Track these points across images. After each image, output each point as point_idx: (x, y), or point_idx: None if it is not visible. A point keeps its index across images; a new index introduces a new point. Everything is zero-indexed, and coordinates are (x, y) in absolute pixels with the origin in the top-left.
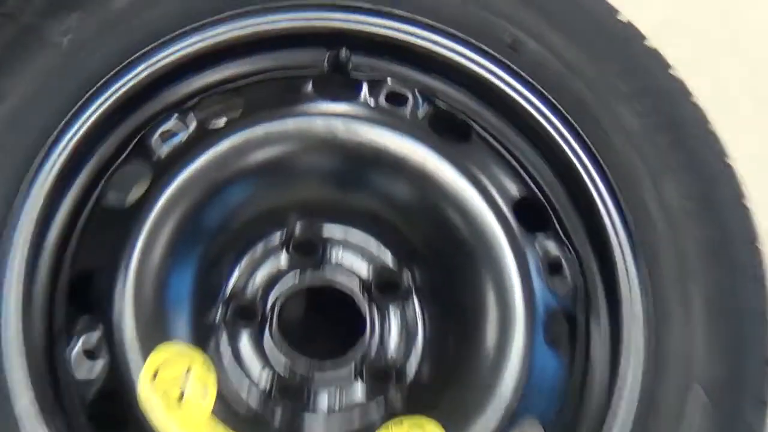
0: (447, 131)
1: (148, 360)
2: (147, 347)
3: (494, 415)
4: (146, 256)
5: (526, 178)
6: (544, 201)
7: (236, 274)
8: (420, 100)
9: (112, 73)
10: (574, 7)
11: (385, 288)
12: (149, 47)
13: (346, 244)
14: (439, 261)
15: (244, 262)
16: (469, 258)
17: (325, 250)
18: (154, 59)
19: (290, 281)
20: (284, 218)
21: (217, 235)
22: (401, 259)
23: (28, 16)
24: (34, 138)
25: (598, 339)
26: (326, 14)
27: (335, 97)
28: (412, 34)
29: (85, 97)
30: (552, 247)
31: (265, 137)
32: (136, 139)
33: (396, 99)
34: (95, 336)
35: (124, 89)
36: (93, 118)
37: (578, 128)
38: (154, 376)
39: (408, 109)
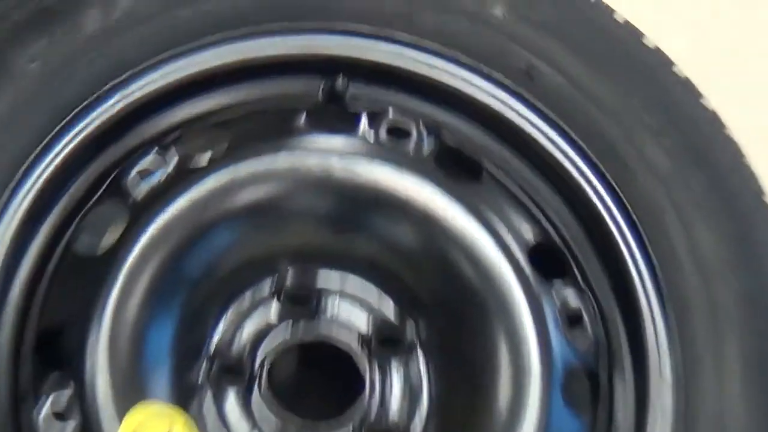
0: (455, 169)
1: (124, 422)
2: (122, 407)
3: None
4: (122, 308)
5: (543, 221)
6: (562, 246)
7: (221, 327)
8: (425, 135)
9: (83, 104)
10: (595, 31)
11: (386, 342)
12: (124, 76)
13: (343, 294)
14: (447, 312)
15: (230, 313)
16: (480, 309)
17: (320, 301)
18: (130, 89)
19: (281, 335)
20: (275, 265)
21: (201, 284)
22: (404, 310)
23: None
24: None
25: (622, 399)
26: (321, 39)
27: (331, 131)
28: (416, 61)
29: (54, 132)
30: (571, 297)
31: (254, 176)
32: (110, 178)
33: (398, 133)
34: (65, 395)
35: (96, 122)
36: (62, 155)
37: (600, 166)
38: None
39: (411, 144)
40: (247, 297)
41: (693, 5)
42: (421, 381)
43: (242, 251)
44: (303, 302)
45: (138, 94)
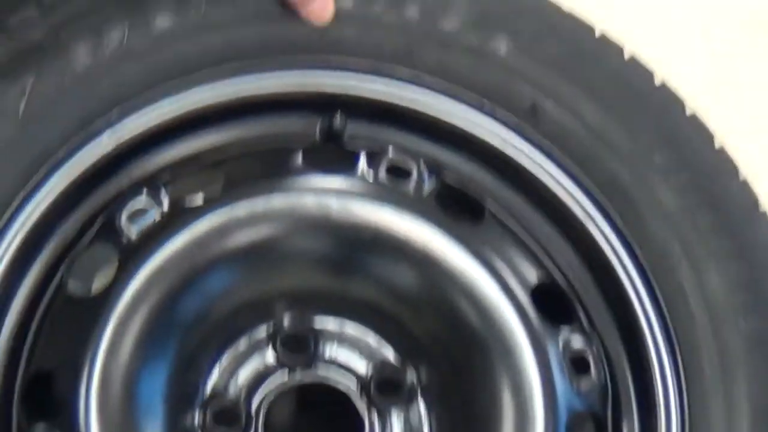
0: (456, 209)
1: None
2: None
3: None
4: (113, 353)
5: (547, 262)
6: (567, 289)
7: (216, 372)
8: (425, 174)
9: (72, 142)
10: (602, 68)
11: (386, 388)
12: (114, 113)
13: (342, 339)
14: (448, 357)
15: (226, 358)
16: (482, 354)
17: (318, 345)
18: (120, 127)
19: (278, 381)
20: (271, 309)
21: (195, 329)
22: (404, 355)
23: None
24: None
25: None
26: (318, 75)
27: (328, 171)
28: (416, 99)
29: (42, 171)
30: (576, 341)
31: (249, 217)
32: (101, 219)
33: (398, 172)
34: None
35: (86, 161)
36: (52, 195)
37: (607, 206)
38: None
39: (412, 184)
40: (243, 342)
41: (704, 37)
42: (421, 428)
43: (238, 294)
44: (300, 347)
45: (128, 133)
